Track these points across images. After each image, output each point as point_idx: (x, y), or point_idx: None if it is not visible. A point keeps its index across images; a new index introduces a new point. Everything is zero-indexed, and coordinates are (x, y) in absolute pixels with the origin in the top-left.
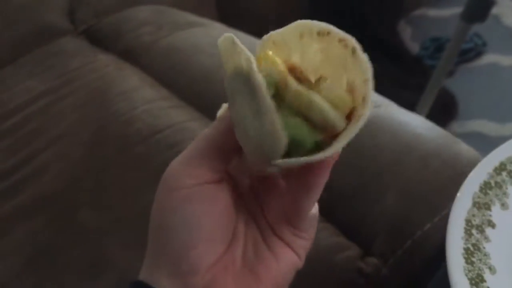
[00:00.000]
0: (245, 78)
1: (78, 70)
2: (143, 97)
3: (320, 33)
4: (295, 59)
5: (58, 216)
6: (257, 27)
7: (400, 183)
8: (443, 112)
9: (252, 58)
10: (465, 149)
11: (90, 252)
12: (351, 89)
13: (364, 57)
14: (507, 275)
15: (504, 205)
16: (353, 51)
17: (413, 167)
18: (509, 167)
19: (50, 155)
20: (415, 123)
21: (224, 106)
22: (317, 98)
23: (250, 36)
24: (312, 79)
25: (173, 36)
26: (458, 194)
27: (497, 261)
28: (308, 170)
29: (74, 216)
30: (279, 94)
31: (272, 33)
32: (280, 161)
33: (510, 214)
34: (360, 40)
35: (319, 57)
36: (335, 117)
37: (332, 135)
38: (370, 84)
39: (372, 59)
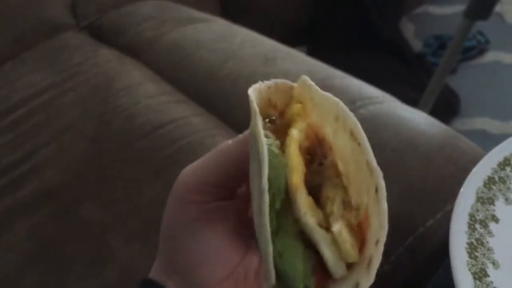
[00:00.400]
0: (258, 163)
1: (80, 65)
2: (146, 92)
3: (352, 134)
4: (328, 132)
5: (60, 210)
6: (260, 23)
7: (403, 179)
8: (446, 109)
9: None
10: (468, 145)
11: (93, 246)
12: (363, 215)
13: (385, 208)
14: (510, 270)
15: (507, 200)
16: (377, 189)
17: (415, 163)
18: None
19: (53, 149)
20: (418, 119)
21: (255, 116)
22: (322, 239)
23: (253, 32)
24: (340, 168)
25: (176, 31)
26: (462, 189)
27: (500, 256)
28: None
29: (77, 211)
30: (287, 197)
31: (313, 85)
32: None
33: None
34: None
35: (349, 153)
36: (336, 266)
37: (324, 275)
38: (381, 247)
39: (375, 56)
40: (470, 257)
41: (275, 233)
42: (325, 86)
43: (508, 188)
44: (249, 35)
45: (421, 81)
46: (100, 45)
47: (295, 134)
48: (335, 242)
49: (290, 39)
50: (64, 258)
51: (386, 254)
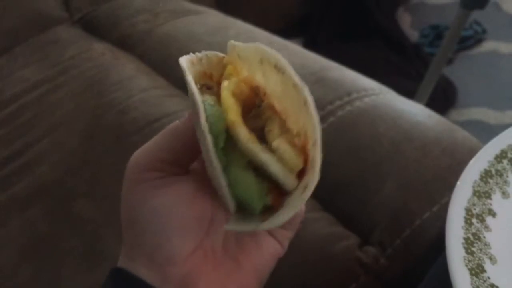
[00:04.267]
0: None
1: (73, 59)
2: (139, 86)
3: (276, 67)
4: (259, 80)
5: (54, 206)
6: (256, 15)
7: (399, 172)
8: (443, 100)
9: (200, 107)
10: (465, 137)
11: (86, 242)
12: (303, 139)
13: (314, 113)
14: (508, 265)
15: (505, 194)
16: (304, 102)
17: (412, 155)
18: (510, 155)
19: (46, 145)
20: (414, 111)
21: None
22: (267, 159)
23: (248, 24)
24: (277, 107)
25: (170, 24)
26: (458, 183)
27: (497, 251)
28: None
29: (70, 206)
30: (231, 136)
31: (236, 44)
32: (228, 226)
33: (511, 203)
34: (360, 28)
35: (280, 88)
36: (286, 178)
37: (279, 193)
38: (319, 147)
39: (372, 46)
40: (466, 252)
41: (226, 169)
42: (321, 78)
43: (505, 182)
44: (244, 28)
45: (418, 72)
46: (93, 39)
47: (225, 83)
48: (280, 159)
49: (285, 31)
50: (58, 254)
51: (382, 246)
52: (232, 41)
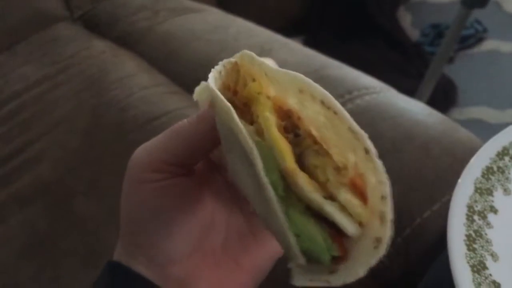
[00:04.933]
0: (247, 158)
1: (74, 57)
2: (140, 84)
3: (324, 104)
4: (292, 104)
5: (54, 204)
6: (257, 13)
7: (400, 170)
8: (443, 98)
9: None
10: (465, 135)
11: (86, 240)
12: (359, 179)
13: (381, 166)
14: (509, 262)
15: (506, 190)
16: (366, 151)
17: (413, 153)
18: (511, 152)
19: (46, 143)
20: (415, 109)
21: (202, 87)
22: (335, 212)
23: (249, 22)
24: (316, 135)
25: (170, 22)
26: (460, 180)
27: (499, 248)
28: None
29: (70, 205)
30: (284, 178)
31: (256, 58)
32: (297, 281)
33: None
34: (360, 26)
35: (322, 120)
36: (351, 227)
37: (341, 238)
38: (389, 202)
39: (372, 45)
40: (468, 249)
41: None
42: (321, 76)
43: (507, 178)
44: (245, 26)
45: (418, 71)
46: (93, 36)
47: (270, 116)
48: (343, 208)
49: (286, 29)
50: (58, 252)
51: None
52: (248, 52)
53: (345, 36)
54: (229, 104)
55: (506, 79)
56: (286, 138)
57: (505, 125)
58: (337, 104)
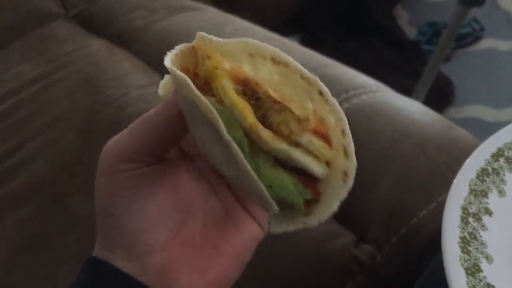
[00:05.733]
0: (209, 124)
1: (70, 55)
2: (136, 83)
3: (275, 60)
4: (247, 71)
5: (49, 203)
6: (253, 12)
7: (396, 169)
8: (440, 97)
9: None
10: (462, 134)
11: (82, 239)
12: (320, 125)
13: (337, 103)
14: (504, 265)
15: (501, 192)
16: (321, 93)
17: (409, 153)
18: (506, 153)
19: (42, 141)
20: (411, 108)
21: (166, 80)
22: (301, 157)
23: (245, 21)
24: (274, 95)
25: (166, 20)
26: (455, 181)
27: (494, 250)
28: None
29: (66, 203)
30: (247, 137)
31: (214, 39)
32: (274, 229)
33: (508, 202)
34: (357, 25)
35: (277, 78)
36: (319, 169)
37: (311, 182)
38: (349, 135)
39: (369, 44)
40: (463, 251)
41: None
42: (318, 75)
43: (502, 180)
44: (241, 24)
45: (416, 69)
46: (89, 35)
47: (226, 83)
48: (309, 152)
49: (283, 28)
50: (54, 251)
51: (379, 244)
52: (203, 33)
53: (342, 35)
54: (184, 75)
55: (503, 78)
56: (247, 101)
57: (502, 123)
58: (287, 57)
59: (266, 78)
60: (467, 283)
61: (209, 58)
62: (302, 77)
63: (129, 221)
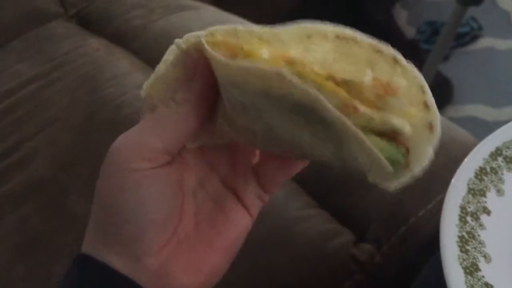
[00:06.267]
0: (309, 113)
1: (68, 55)
2: (134, 82)
3: (340, 37)
4: (295, 54)
5: (48, 203)
6: (250, 10)
7: None
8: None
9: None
10: (460, 133)
11: (81, 239)
12: (385, 88)
13: (413, 67)
14: (502, 264)
15: (499, 192)
16: (395, 60)
17: None
18: (505, 152)
19: (40, 141)
20: None
21: (153, 80)
22: (394, 120)
23: (244, 20)
24: (322, 72)
25: (165, 19)
26: (453, 181)
27: (492, 249)
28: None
29: (65, 203)
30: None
31: (251, 28)
32: (391, 184)
33: (506, 201)
34: (355, 23)
35: (332, 56)
36: (407, 127)
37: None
38: (429, 91)
39: None
40: (461, 251)
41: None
42: None
43: (500, 179)
44: (240, 23)
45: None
46: (88, 34)
47: (303, 67)
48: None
49: None
50: (52, 251)
51: (378, 244)
52: (226, 27)
53: None
54: (272, 68)
55: (501, 77)
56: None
57: (501, 122)
58: (354, 33)
59: (318, 57)
60: (466, 282)
61: (247, 53)
62: (374, 49)
63: (135, 221)
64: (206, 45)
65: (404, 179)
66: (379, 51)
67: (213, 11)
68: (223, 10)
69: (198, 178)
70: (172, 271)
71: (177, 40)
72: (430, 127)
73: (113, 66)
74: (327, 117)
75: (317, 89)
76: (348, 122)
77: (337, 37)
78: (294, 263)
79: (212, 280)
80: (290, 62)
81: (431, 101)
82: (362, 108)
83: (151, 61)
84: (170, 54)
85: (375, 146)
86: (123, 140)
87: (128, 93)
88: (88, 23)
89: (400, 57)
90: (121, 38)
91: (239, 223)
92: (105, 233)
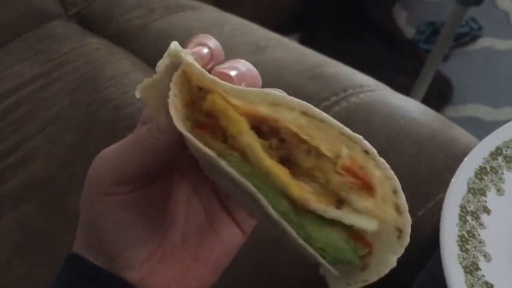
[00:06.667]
0: (238, 185)
1: (68, 54)
2: (134, 82)
3: (307, 114)
4: (265, 112)
5: (48, 202)
6: (252, 10)
7: (394, 168)
8: (438, 96)
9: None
10: (460, 133)
11: None
12: (359, 170)
13: (385, 162)
14: (502, 263)
15: (499, 191)
16: (366, 151)
17: (407, 151)
18: (505, 152)
19: (40, 140)
20: (410, 107)
21: (147, 84)
22: (350, 219)
23: (244, 20)
24: (299, 132)
25: (165, 19)
26: (453, 180)
27: (492, 248)
28: None
29: (65, 202)
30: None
31: (217, 81)
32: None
33: (506, 200)
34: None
35: (304, 122)
36: (371, 225)
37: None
38: (402, 193)
39: (368, 43)
40: (461, 250)
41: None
42: (316, 74)
43: (500, 179)
44: (240, 23)
45: (414, 68)
46: (88, 34)
47: (251, 141)
48: (357, 211)
49: (282, 27)
50: (52, 250)
51: None
52: (195, 65)
53: (341, 34)
54: (213, 154)
55: (501, 77)
56: (267, 141)
57: (500, 122)
58: (322, 113)
59: (289, 119)
60: (466, 281)
61: (211, 92)
62: (342, 134)
63: (113, 239)
64: (180, 126)
65: (355, 284)
66: (348, 137)
67: (213, 11)
68: (222, 10)
69: (193, 184)
70: (155, 283)
71: (172, 46)
72: (400, 232)
73: (113, 66)
74: (271, 216)
75: (264, 177)
76: (288, 227)
77: (303, 113)
78: (296, 262)
79: None
80: (260, 119)
81: (404, 205)
82: (316, 207)
83: (151, 61)
84: (165, 58)
85: (328, 239)
86: (100, 162)
87: (128, 93)
88: (88, 23)
89: (372, 150)
90: (121, 38)
91: (229, 240)
92: (88, 244)
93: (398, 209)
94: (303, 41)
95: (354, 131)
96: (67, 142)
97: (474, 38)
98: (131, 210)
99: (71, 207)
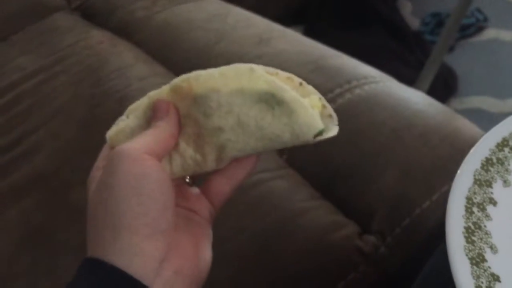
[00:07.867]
0: (270, 98)
1: (71, 47)
2: (138, 74)
3: (268, 72)
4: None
5: (51, 196)
6: (255, 2)
7: (400, 160)
8: (443, 88)
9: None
10: (465, 125)
11: (83, 232)
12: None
13: (311, 86)
14: (509, 254)
15: (506, 182)
16: (300, 83)
17: (412, 143)
18: (511, 143)
19: (43, 134)
20: (415, 99)
21: (118, 129)
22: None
23: (248, 11)
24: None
25: (168, 11)
26: (459, 171)
27: (498, 240)
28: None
29: (67, 196)
30: None
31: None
32: (320, 138)
33: None
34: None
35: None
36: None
37: None
38: (323, 99)
39: (372, 34)
40: (467, 241)
41: None
42: (320, 66)
43: (507, 170)
44: (243, 15)
45: (419, 60)
46: (91, 26)
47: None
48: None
49: (285, 18)
50: (55, 243)
51: (382, 235)
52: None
53: (345, 25)
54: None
55: (506, 68)
56: None
57: (506, 114)
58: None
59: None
60: (472, 273)
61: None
62: (287, 78)
63: (157, 197)
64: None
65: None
66: (291, 79)
67: (216, 3)
68: (225, 2)
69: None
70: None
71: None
72: (330, 116)
73: (117, 58)
74: (285, 96)
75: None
76: (298, 96)
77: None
78: (298, 255)
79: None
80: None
81: (326, 103)
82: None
83: (155, 53)
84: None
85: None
86: (124, 146)
87: (132, 85)
88: (91, 15)
89: (305, 83)
90: (124, 30)
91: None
92: (105, 226)
93: (323, 105)
94: (307, 33)
95: (358, 123)
96: (70, 135)
97: (480, 29)
98: (164, 174)
99: (74, 200)
